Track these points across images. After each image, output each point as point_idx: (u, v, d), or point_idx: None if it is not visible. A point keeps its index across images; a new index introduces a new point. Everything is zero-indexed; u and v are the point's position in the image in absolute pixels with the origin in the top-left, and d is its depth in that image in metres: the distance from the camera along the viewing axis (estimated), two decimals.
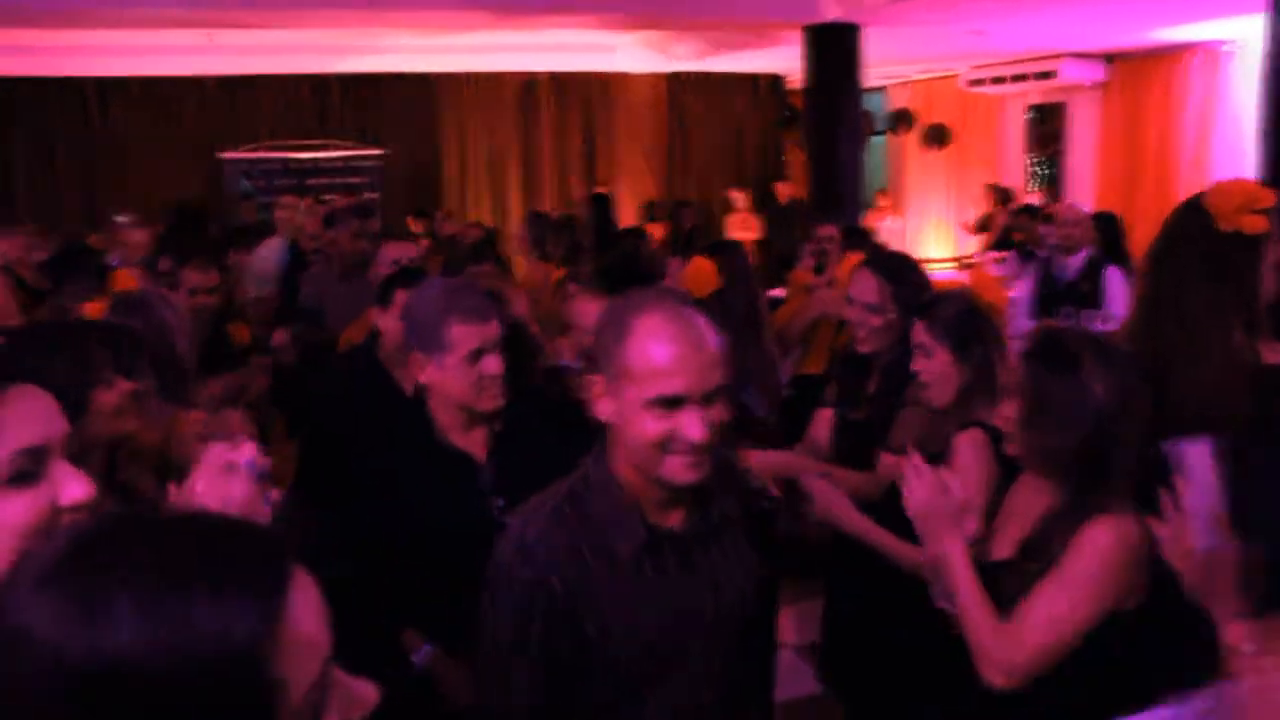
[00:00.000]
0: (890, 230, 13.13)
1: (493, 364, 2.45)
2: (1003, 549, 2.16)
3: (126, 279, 3.65)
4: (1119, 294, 5.42)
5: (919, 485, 2.14)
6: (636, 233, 7.19)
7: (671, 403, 1.65)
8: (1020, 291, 6.01)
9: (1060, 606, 1.98)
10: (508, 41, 10.67)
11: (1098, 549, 1.97)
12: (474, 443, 2.52)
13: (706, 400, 1.67)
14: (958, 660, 2.09)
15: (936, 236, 14.66)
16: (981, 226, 12.31)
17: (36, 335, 2.42)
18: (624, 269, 4.39)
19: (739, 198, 13.14)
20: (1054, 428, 2.05)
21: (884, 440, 3.05)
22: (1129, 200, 10.93)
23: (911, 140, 14.56)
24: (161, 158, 12.60)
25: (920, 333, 2.75)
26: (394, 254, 4.65)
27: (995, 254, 11.58)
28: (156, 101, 12.55)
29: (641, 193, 13.70)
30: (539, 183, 13.98)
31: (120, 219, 7.10)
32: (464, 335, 2.42)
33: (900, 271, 3.25)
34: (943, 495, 2.11)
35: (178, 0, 7.81)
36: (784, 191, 13.11)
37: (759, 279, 4.23)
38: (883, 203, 13.68)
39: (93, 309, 3.31)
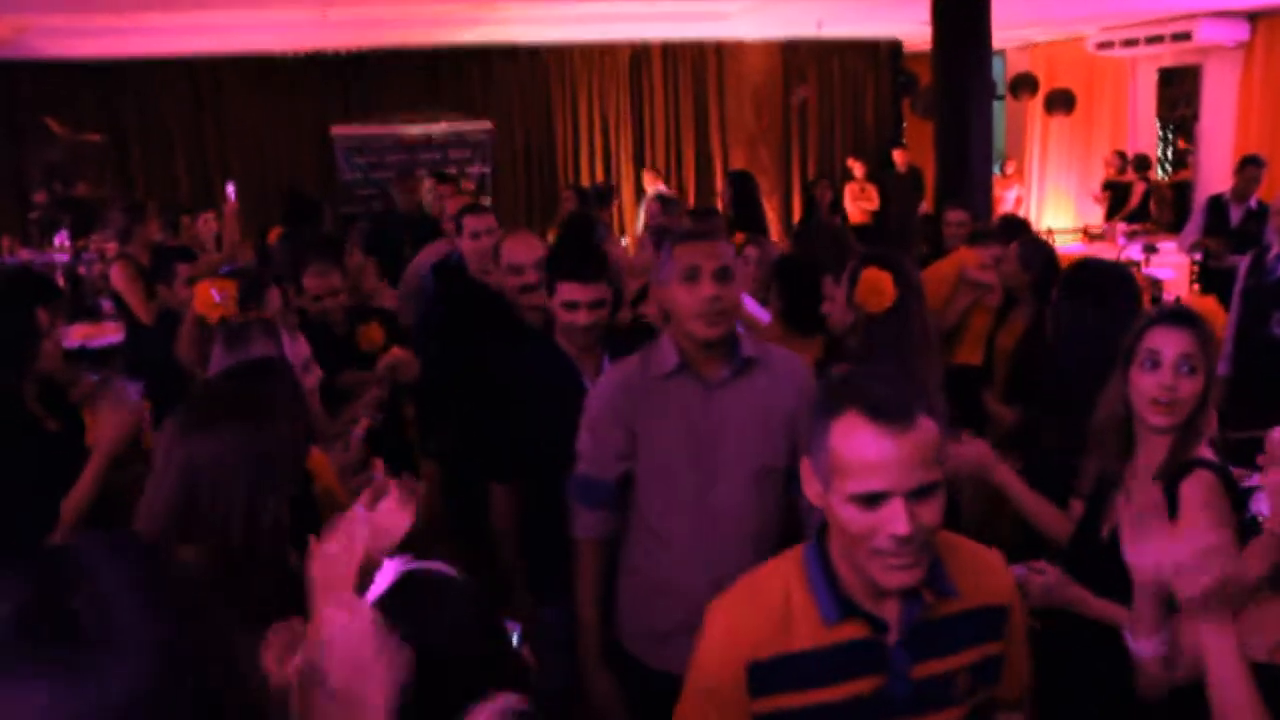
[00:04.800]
0: (1014, 200, 12.71)
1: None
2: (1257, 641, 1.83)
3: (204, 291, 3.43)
4: None
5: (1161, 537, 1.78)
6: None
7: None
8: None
9: None
10: (618, 11, 10.45)
11: None
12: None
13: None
14: None
15: (1057, 206, 14.16)
16: (1115, 194, 11.83)
17: None
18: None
19: (857, 167, 12.80)
20: None
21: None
22: (1270, 174, 10.34)
23: (1032, 106, 14.03)
24: (274, 135, 12.66)
25: (1188, 343, 2.37)
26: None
27: (1127, 225, 11.14)
28: (268, 79, 12.55)
29: (755, 163, 13.40)
30: (652, 154, 13.76)
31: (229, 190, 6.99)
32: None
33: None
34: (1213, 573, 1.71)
35: None
36: (901, 159, 12.73)
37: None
38: (1009, 170, 13.21)
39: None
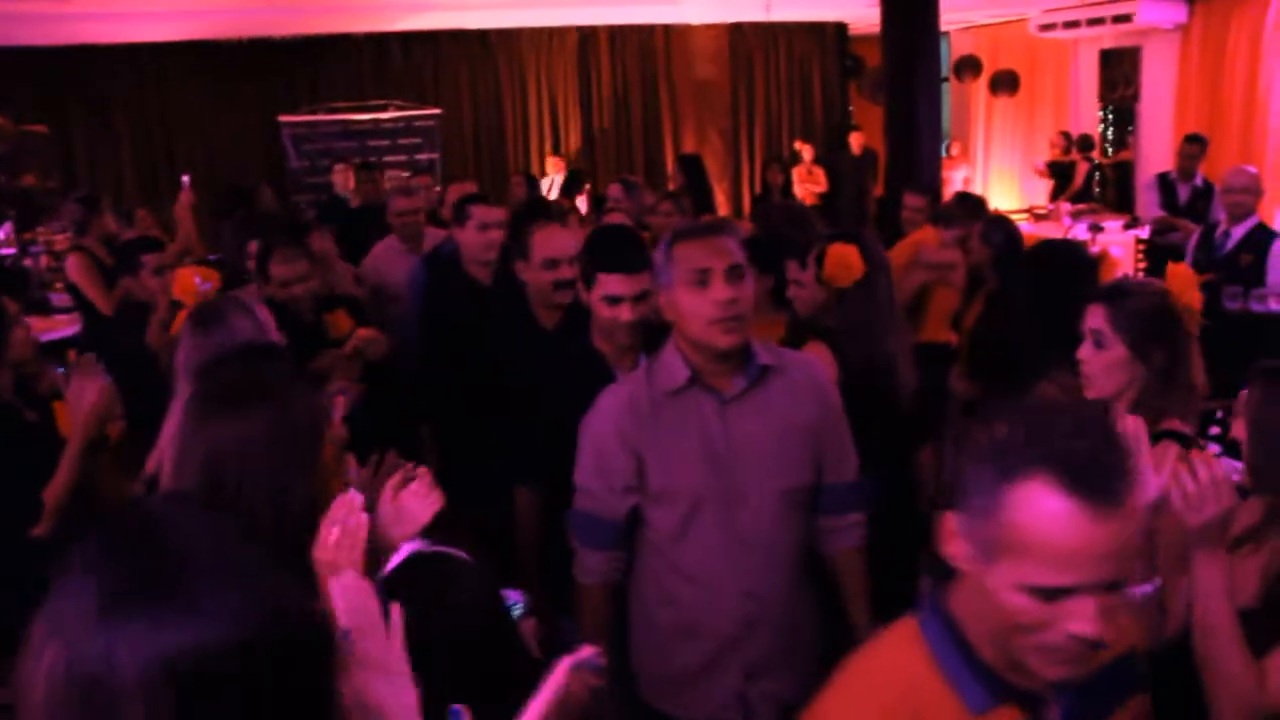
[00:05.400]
0: (963, 180, 12.86)
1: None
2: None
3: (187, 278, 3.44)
4: None
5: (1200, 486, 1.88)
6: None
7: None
8: None
9: None
10: None
11: None
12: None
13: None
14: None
15: (1002, 186, 14.36)
16: (1059, 174, 12.00)
17: None
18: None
19: (805, 150, 12.89)
20: None
21: None
22: (1209, 153, 10.57)
23: (976, 87, 14.21)
24: (220, 123, 12.50)
25: (1098, 318, 2.46)
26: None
27: (1072, 205, 11.34)
28: (213, 66, 12.38)
29: (705, 146, 13.45)
30: (602, 137, 13.79)
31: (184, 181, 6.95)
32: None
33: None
34: (1221, 503, 1.87)
35: None
36: (856, 142, 12.84)
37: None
38: (955, 151, 13.37)
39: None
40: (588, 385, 2.72)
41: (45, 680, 0.90)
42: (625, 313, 2.86)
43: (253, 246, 4.51)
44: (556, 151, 13.29)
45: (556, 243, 3.58)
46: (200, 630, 0.89)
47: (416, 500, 1.89)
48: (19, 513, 2.83)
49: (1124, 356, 2.42)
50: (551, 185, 11.40)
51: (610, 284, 2.86)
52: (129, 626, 0.89)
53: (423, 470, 1.94)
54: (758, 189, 13.13)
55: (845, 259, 3.33)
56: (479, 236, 4.47)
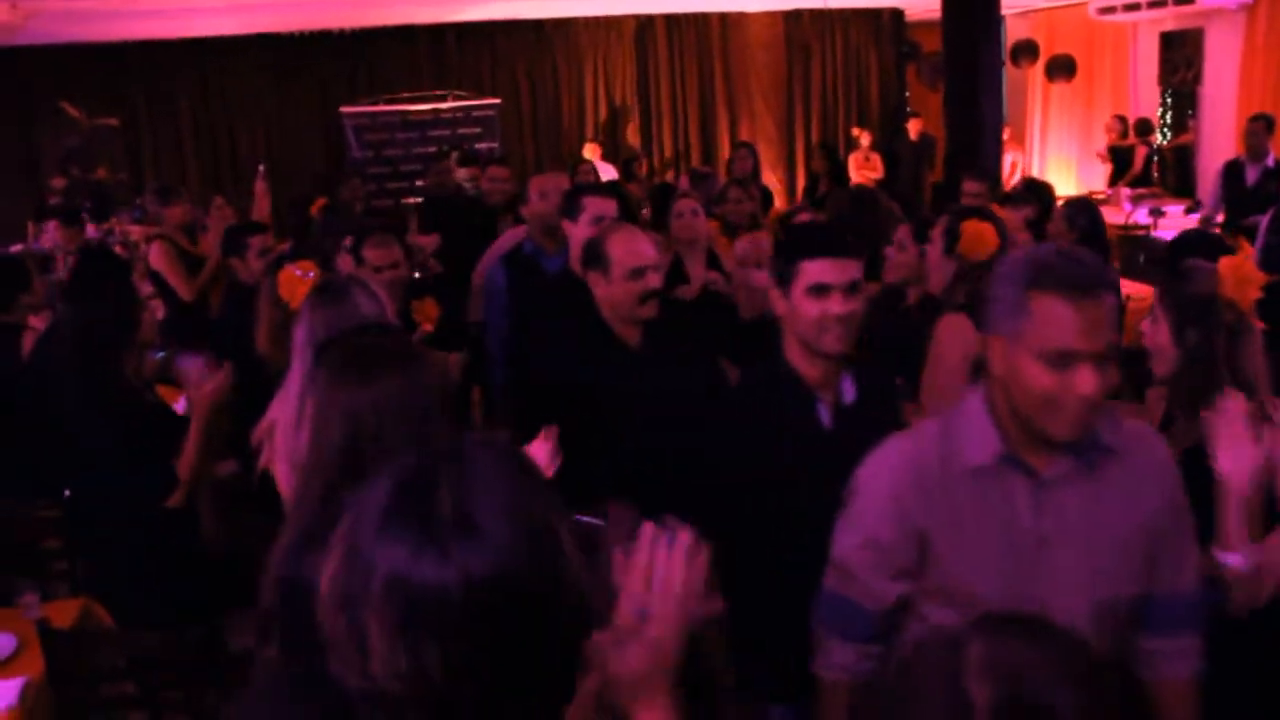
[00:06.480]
0: (1009, 165, 12.80)
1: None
2: None
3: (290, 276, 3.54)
4: None
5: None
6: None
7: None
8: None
9: None
10: None
11: None
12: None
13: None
14: None
15: (1059, 172, 14.28)
16: (1118, 159, 11.93)
17: None
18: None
19: (863, 136, 12.90)
20: None
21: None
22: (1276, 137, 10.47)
23: (1033, 73, 14.13)
24: (282, 115, 12.75)
25: (1157, 297, 2.69)
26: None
27: (1132, 190, 11.26)
28: (275, 59, 12.62)
29: (761, 134, 13.49)
30: (658, 125, 13.88)
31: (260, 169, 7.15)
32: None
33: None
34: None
35: None
36: (915, 128, 12.82)
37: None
38: (1005, 136, 13.31)
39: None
40: (776, 419, 2.45)
41: (327, 580, 1.03)
42: (835, 304, 2.44)
43: (348, 240, 4.53)
44: (611, 137, 13.37)
45: (640, 249, 3.17)
46: (454, 561, 0.99)
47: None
48: (158, 486, 2.99)
49: (1167, 336, 2.58)
50: (591, 172, 11.21)
51: (816, 270, 2.45)
52: (391, 547, 1.00)
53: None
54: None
55: (981, 235, 3.49)
56: (594, 232, 3.80)
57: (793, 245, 2.61)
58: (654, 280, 3.14)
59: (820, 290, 2.44)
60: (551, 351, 3.31)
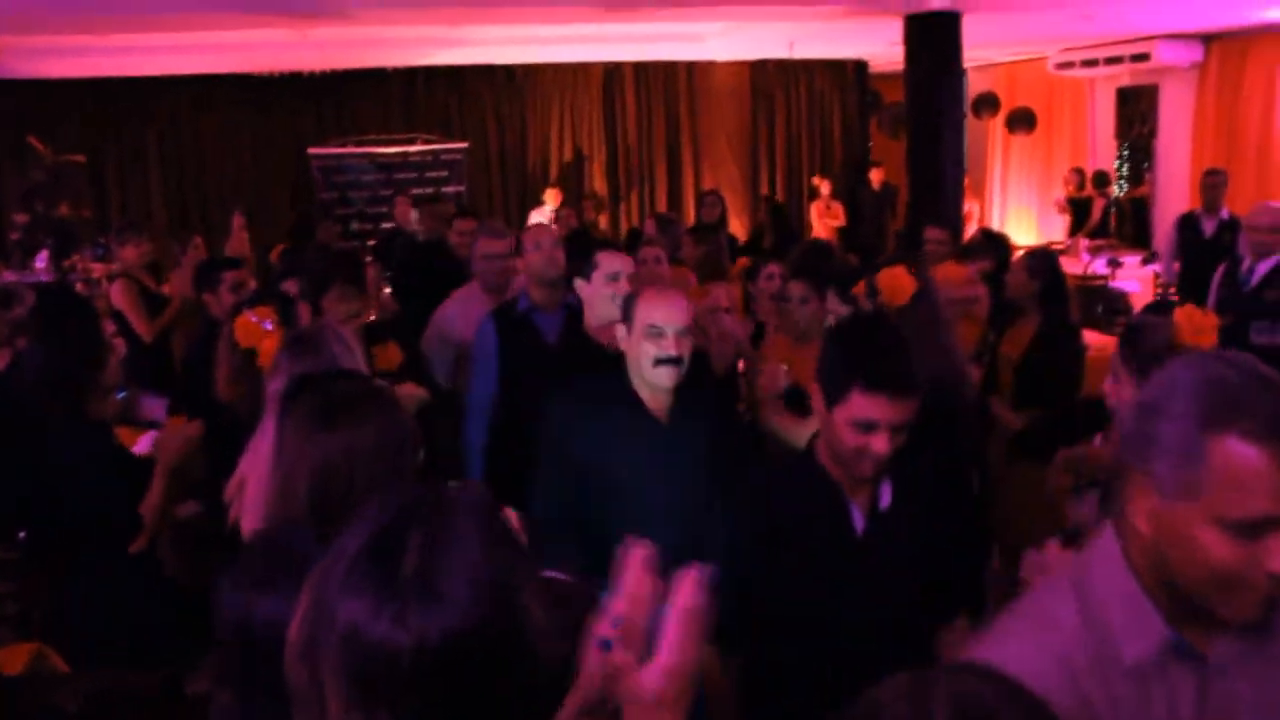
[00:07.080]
0: (966, 215, 12.99)
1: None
2: None
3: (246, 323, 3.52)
4: None
5: None
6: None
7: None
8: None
9: None
10: (592, 32, 10.58)
11: None
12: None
13: None
14: None
15: (1019, 222, 14.50)
16: (1077, 210, 12.15)
17: None
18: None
19: (823, 185, 13.06)
20: None
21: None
22: (1229, 189, 10.69)
23: (994, 124, 14.38)
24: (249, 156, 12.78)
25: (1117, 356, 2.73)
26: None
27: (1090, 241, 11.48)
28: (244, 99, 12.66)
29: (726, 181, 13.62)
30: (626, 172, 14.01)
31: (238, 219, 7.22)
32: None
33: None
34: None
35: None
36: (877, 177, 13.00)
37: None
38: (964, 185, 13.53)
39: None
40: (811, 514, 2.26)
41: (295, 627, 1.05)
42: (881, 443, 2.14)
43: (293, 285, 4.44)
44: (577, 183, 13.46)
45: (663, 307, 2.87)
46: (419, 620, 1.00)
47: None
48: (123, 528, 2.98)
49: (1132, 391, 2.61)
50: (555, 218, 11.04)
51: (867, 407, 2.13)
52: (352, 601, 1.01)
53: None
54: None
55: (897, 280, 3.54)
56: (612, 290, 3.66)
57: (850, 364, 2.19)
58: (671, 345, 2.82)
59: (867, 427, 2.14)
60: (559, 422, 2.98)
